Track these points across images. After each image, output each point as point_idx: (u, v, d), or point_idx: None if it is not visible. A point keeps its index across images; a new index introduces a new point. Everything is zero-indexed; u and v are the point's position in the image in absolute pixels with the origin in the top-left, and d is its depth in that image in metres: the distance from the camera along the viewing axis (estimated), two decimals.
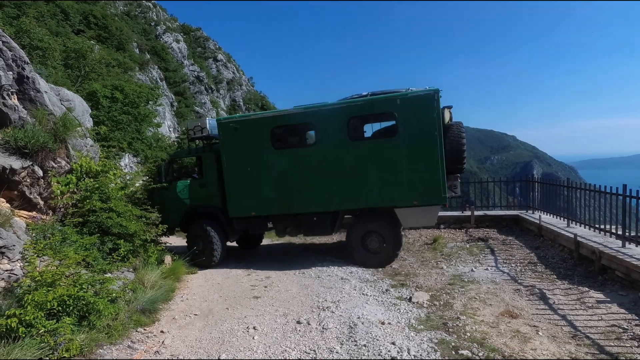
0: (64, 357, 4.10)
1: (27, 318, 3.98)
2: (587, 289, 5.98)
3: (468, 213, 10.74)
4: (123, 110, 17.04)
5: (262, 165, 8.03)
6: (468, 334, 4.74)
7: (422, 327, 5.02)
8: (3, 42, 6.74)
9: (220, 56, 70.09)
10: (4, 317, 3.94)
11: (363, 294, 6.34)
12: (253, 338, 4.93)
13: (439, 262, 7.94)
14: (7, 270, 5.20)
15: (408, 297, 6.10)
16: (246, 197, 8.16)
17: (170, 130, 38.58)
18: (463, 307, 5.62)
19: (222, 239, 8.49)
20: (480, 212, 10.94)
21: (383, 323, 5.14)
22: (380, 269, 7.62)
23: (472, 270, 7.33)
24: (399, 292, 6.36)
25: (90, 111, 12.18)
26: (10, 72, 6.66)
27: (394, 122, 7.42)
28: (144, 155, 17.84)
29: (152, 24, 57.92)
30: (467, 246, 8.99)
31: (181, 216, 8.57)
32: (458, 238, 9.77)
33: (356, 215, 8.07)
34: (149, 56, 47.84)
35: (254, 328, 5.20)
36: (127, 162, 18.86)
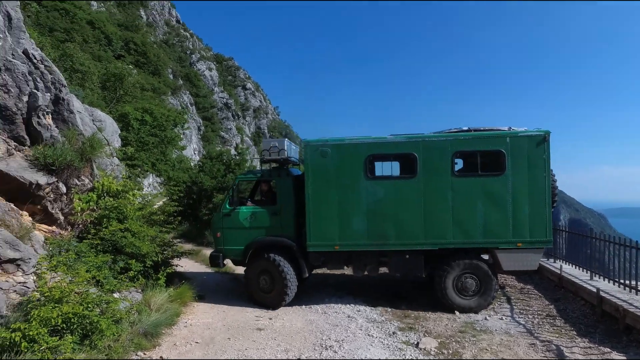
0: None
1: (31, 333, 4.04)
2: (609, 349, 5.59)
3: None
4: (151, 132, 17.74)
5: (353, 195, 7.37)
6: None
7: None
8: (45, 66, 7.25)
9: (249, 85, 72.81)
10: (9, 330, 4.01)
11: (369, 334, 6.13)
12: None
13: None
14: (20, 283, 5.33)
15: (415, 343, 5.85)
16: (330, 229, 7.39)
17: (195, 153, 39.74)
18: (473, 358, 5.34)
19: (296, 275, 7.58)
20: None
21: None
22: (390, 310, 7.39)
23: (485, 318, 7.00)
24: (406, 336, 6.12)
25: (119, 132, 12.75)
26: (48, 94, 7.11)
27: (500, 160, 7.19)
28: (166, 176, 18.35)
29: (188, 52, 61.11)
30: None
31: (244, 247, 7.71)
32: None
33: (448, 255, 7.40)
34: (181, 82, 50.18)
35: None
36: (150, 181, 19.45)
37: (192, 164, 23.01)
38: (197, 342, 5.77)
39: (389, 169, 7.97)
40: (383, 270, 8.14)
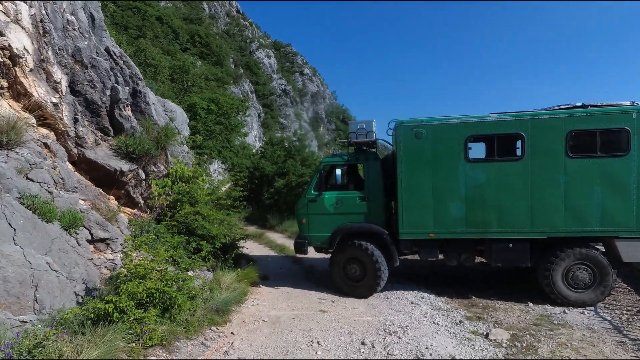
0: (147, 344, 4.53)
1: (121, 305, 4.48)
2: None
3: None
4: (216, 120, 18.63)
5: (451, 180, 6.92)
6: None
7: None
8: (124, 61, 7.85)
9: (306, 70, 73.19)
10: (104, 302, 4.48)
11: (434, 322, 5.97)
12: (316, 352, 4.94)
13: (523, 298, 7.17)
14: (109, 260, 5.95)
15: (484, 333, 5.59)
16: (425, 216, 7.00)
17: (256, 140, 41.13)
18: (550, 354, 4.97)
19: (387, 264, 7.33)
20: None
21: (454, 358, 4.78)
22: (455, 298, 7.13)
23: (564, 312, 6.47)
24: (474, 326, 5.87)
25: (188, 121, 13.54)
26: (127, 87, 7.70)
27: (624, 139, 6.55)
28: (230, 163, 19.24)
29: (247, 41, 62.79)
30: None
31: (331, 233, 7.44)
32: None
33: (555, 244, 6.89)
34: (242, 70, 51.84)
35: (318, 343, 5.21)
36: (215, 167, 20.52)
37: (253, 150, 23.87)
38: (264, 321, 6.04)
39: (486, 151, 7.52)
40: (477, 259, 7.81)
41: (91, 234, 5.84)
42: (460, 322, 6.02)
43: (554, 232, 6.71)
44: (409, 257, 9.36)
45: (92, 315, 4.37)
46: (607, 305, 6.71)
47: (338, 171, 7.61)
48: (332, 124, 70.13)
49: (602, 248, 7.02)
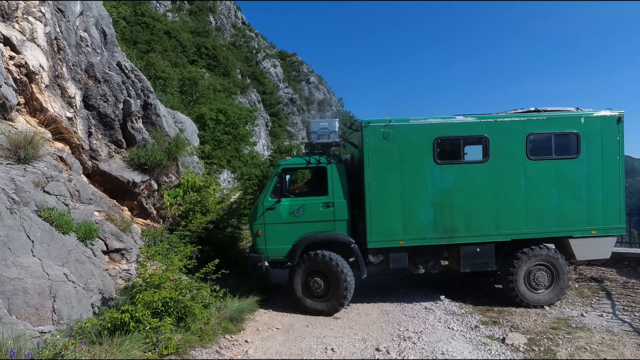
0: (163, 353, 4.57)
1: (137, 314, 4.52)
2: None
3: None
4: (225, 130, 18.83)
5: (419, 183, 6.67)
6: None
7: None
8: (135, 75, 8.02)
9: (312, 78, 73.75)
10: (120, 311, 4.54)
11: (448, 327, 5.92)
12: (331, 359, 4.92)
13: None
14: (125, 270, 6.02)
15: (501, 338, 5.52)
16: (393, 222, 6.64)
17: (264, 149, 41.42)
18: (569, 357, 4.89)
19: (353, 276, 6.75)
20: None
21: None
22: (470, 303, 7.05)
23: (582, 315, 6.36)
24: (490, 331, 5.80)
25: (197, 132, 13.74)
26: (139, 100, 7.86)
27: (575, 142, 6.82)
28: (240, 172, 19.39)
29: (254, 51, 63.58)
30: (577, 286, 7.85)
31: (292, 245, 6.70)
32: None
33: (516, 247, 6.93)
34: (249, 81, 52.43)
35: (332, 350, 5.19)
36: (225, 177, 20.69)
37: (262, 159, 24.03)
38: (277, 328, 6.04)
39: (454, 153, 7.31)
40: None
41: (106, 245, 5.93)
42: (476, 326, 5.95)
43: (518, 235, 6.75)
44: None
45: (109, 325, 4.42)
46: (626, 308, 6.59)
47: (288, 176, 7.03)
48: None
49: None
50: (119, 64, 7.80)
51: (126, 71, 7.85)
